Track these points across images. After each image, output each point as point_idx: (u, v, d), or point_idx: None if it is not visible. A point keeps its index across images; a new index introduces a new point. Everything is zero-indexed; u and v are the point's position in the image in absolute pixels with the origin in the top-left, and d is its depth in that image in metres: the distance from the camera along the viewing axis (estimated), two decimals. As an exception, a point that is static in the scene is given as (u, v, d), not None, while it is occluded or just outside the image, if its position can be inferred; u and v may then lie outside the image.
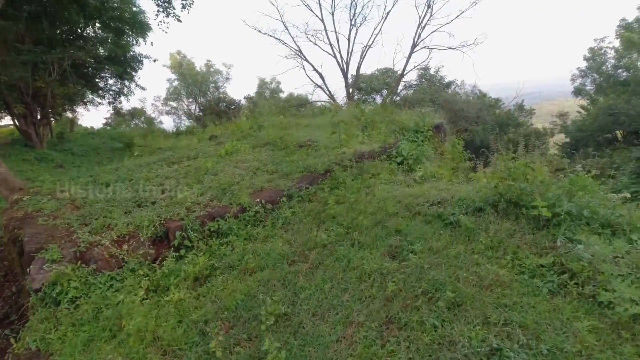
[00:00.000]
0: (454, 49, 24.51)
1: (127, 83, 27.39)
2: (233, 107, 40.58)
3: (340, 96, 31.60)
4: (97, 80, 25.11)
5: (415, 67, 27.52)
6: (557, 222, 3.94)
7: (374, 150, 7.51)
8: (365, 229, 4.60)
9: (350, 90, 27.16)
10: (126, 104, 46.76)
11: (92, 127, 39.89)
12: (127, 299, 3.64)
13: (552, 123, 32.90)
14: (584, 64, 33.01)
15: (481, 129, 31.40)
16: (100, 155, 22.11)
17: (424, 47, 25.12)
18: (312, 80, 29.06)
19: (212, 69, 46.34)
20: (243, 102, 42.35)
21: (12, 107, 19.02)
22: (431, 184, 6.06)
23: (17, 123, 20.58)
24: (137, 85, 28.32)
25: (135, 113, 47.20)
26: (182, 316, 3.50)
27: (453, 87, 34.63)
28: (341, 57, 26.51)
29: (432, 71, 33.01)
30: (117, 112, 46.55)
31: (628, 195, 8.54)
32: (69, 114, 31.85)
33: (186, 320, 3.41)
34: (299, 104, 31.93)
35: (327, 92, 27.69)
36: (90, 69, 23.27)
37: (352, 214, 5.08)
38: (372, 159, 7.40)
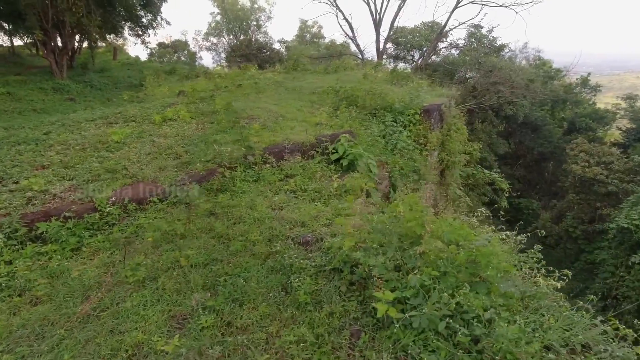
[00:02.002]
0: (506, 6, 20.66)
1: (155, 15, 26.77)
2: (265, 51, 38.79)
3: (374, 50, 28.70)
4: (119, 10, 24.46)
5: (459, 24, 23.87)
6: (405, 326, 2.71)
7: (302, 143, 6.19)
8: (190, 269, 3.61)
9: (382, 45, 24.39)
10: (164, 37, 46.63)
11: (137, 57, 40.29)
12: None
13: (614, 106, 28.15)
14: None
15: (528, 103, 27.71)
16: (114, 91, 22.11)
17: (471, 2, 21.42)
18: (343, 30, 26.43)
19: (255, 5, 44.28)
20: (276, 46, 40.31)
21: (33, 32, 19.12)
22: (336, 204, 4.80)
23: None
24: (162, 18, 27.58)
25: (178, 46, 46.98)
26: None
27: (506, 51, 30.24)
28: (374, 6, 23.52)
29: (484, 30, 28.80)
30: (161, 44, 46.59)
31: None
32: (119, 41, 31.95)
33: None
34: (328, 55, 29.60)
35: (355, 43, 25.15)
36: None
37: (198, 239, 4.09)
38: (301, 153, 6.14)
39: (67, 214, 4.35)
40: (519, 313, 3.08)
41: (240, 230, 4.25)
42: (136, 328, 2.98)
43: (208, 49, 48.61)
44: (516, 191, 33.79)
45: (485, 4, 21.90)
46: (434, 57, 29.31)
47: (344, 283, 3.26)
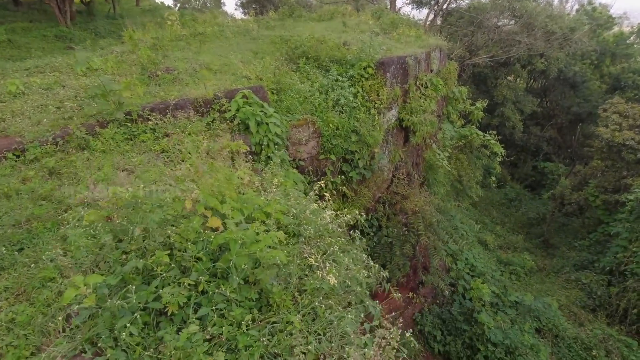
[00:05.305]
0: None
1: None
2: (282, -7, 36.66)
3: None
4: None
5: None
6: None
7: (195, 100, 5.67)
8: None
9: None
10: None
11: (161, 3, 39.83)
12: None
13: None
14: None
15: (564, 55, 24.58)
16: (119, 39, 22.01)
17: None
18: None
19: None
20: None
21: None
22: (187, 168, 4.38)
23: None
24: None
25: (205, -10, 45.75)
26: None
27: (548, -5, 26.49)
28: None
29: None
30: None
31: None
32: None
33: None
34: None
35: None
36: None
37: (19, 199, 3.90)
38: (193, 110, 5.66)
39: None
40: (285, 310, 2.67)
41: (68, 192, 4.01)
42: None
43: (234, -7, 46.32)
44: (544, 154, 31.27)
45: None
46: (459, 2, 26.31)
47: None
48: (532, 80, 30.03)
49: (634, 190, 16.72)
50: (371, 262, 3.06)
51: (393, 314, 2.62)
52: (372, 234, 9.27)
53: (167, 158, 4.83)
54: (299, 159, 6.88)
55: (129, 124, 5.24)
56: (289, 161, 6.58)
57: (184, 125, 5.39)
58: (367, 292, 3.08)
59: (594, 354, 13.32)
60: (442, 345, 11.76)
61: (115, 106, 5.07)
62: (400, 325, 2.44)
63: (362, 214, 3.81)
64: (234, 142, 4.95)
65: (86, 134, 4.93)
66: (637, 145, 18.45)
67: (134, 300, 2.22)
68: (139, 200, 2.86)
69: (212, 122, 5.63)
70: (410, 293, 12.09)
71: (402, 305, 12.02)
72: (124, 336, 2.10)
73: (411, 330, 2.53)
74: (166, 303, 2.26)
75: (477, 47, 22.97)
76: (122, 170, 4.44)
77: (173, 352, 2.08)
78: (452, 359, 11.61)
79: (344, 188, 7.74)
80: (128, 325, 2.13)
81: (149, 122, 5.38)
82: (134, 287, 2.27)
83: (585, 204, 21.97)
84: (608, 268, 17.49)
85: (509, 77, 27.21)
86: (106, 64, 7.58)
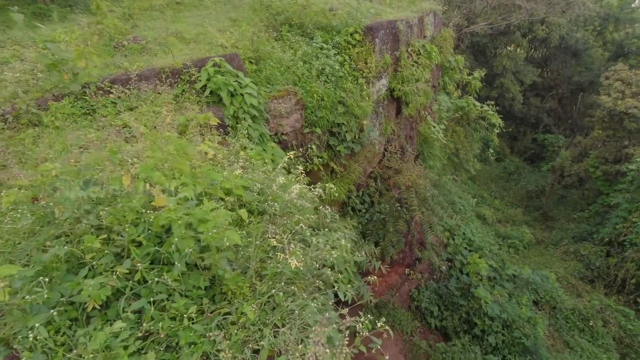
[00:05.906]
0: None
1: None
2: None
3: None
4: None
5: None
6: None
7: (161, 69, 5.18)
8: None
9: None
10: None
11: None
12: None
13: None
14: None
15: (566, 21, 23.63)
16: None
17: None
18: None
19: None
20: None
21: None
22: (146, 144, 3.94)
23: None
24: None
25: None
26: None
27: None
28: None
29: None
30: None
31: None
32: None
33: None
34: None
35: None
36: None
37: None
38: (159, 81, 5.17)
39: None
40: (241, 299, 2.32)
41: (10, 173, 3.61)
42: None
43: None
44: (544, 126, 30.62)
45: None
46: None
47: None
48: (532, 50, 29.06)
49: (635, 160, 16.34)
50: (343, 241, 2.69)
51: (360, 301, 2.27)
52: (364, 210, 8.92)
53: (129, 133, 4.40)
54: (282, 133, 6.43)
55: (87, 98, 4.78)
56: (271, 136, 6.14)
57: (149, 97, 4.92)
58: (352, 273, 2.72)
59: (591, 324, 13.28)
60: (439, 321, 11.65)
61: (69, 78, 4.59)
62: (362, 315, 2.09)
63: (333, 185, 3.42)
64: (202, 114, 4.50)
65: (38, 109, 4.48)
66: (639, 114, 17.90)
67: (46, 295, 1.86)
68: (65, 178, 2.46)
69: (182, 93, 5.16)
70: (406, 269, 11.89)
71: (399, 282, 11.85)
72: (31, 337, 1.75)
73: (384, 319, 2.18)
74: (88, 296, 1.90)
75: (475, 15, 22.02)
76: (79, 148, 4.01)
77: (91, 355, 1.74)
78: (449, 334, 11.52)
79: (332, 163, 7.33)
80: (37, 325, 1.78)
81: (110, 95, 4.92)
82: (47, 279, 1.90)
83: (585, 176, 21.62)
84: (607, 239, 17.30)
85: (508, 47, 26.28)
86: (70, 36, 7.02)
